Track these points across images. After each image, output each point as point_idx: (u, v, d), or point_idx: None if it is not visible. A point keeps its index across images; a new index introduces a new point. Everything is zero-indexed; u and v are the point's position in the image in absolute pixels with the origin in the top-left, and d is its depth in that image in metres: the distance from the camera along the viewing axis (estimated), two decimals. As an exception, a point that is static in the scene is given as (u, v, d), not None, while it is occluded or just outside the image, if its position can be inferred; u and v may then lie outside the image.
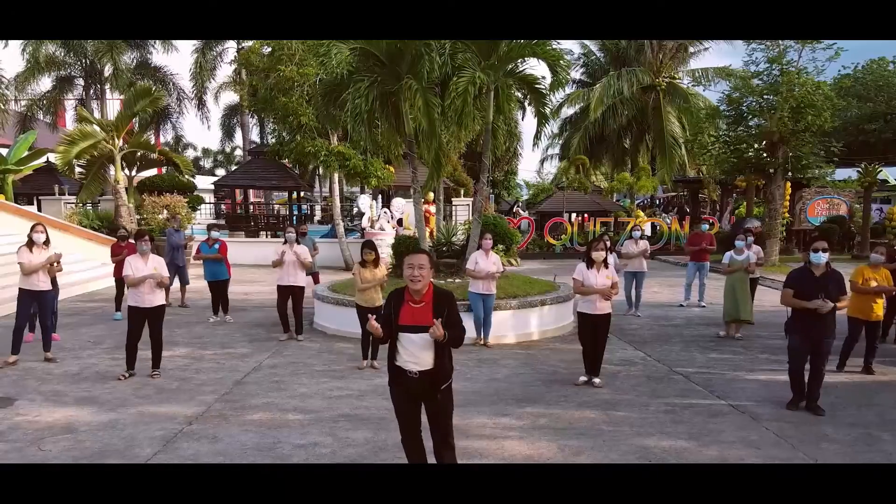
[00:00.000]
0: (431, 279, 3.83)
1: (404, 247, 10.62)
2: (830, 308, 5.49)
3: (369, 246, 7.44)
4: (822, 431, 5.29)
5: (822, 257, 5.65)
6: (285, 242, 8.86)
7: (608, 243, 7.04)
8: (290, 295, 8.77)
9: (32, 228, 7.52)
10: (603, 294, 6.46)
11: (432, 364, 3.74)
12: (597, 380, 6.61)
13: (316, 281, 11.37)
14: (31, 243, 7.45)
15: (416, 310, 3.75)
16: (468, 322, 7.96)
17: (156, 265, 6.88)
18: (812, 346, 5.67)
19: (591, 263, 6.56)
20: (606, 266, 6.60)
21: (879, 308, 7.06)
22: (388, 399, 5.52)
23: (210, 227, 10.69)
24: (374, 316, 3.83)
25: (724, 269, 9.19)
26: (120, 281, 10.08)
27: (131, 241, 9.89)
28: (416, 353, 3.73)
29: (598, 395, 6.30)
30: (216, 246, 10.19)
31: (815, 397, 5.74)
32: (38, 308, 7.66)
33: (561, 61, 9.11)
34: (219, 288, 10.20)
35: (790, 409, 5.78)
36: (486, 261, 8.27)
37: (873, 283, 6.91)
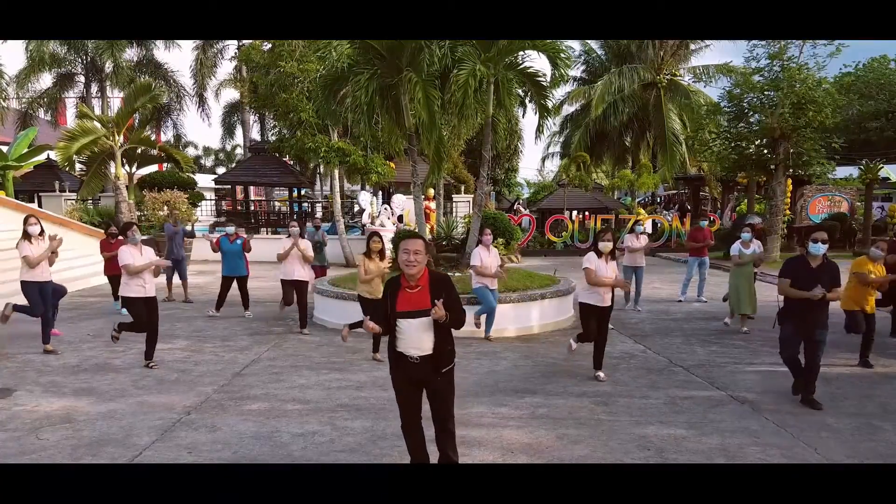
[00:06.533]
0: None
1: (404, 241, 10.60)
2: (821, 295, 5.44)
3: (377, 235, 7.47)
4: (823, 421, 5.26)
5: (821, 248, 5.62)
6: (289, 236, 8.86)
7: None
8: (294, 288, 8.78)
9: (25, 221, 7.48)
10: (619, 286, 6.46)
11: (432, 348, 3.74)
12: (601, 374, 6.57)
13: (323, 274, 11.37)
14: (27, 236, 7.43)
15: (413, 295, 3.74)
16: (473, 314, 7.96)
17: (150, 254, 6.92)
18: (805, 336, 5.64)
19: (599, 254, 6.48)
20: (613, 258, 6.54)
21: (873, 301, 7.08)
22: (387, 390, 5.52)
23: (216, 224, 10.64)
24: (369, 317, 3.87)
25: (735, 260, 9.13)
26: (113, 277, 10.05)
27: (122, 237, 9.83)
28: (416, 337, 3.72)
29: (598, 387, 6.29)
30: (238, 242, 9.99)
31: (811, 391, 5.69)
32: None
33: (561, 54, 9.08)
34: (237, 284, 10.12)
35: (795, 392, 5.74)
36: (489, 256, 8.21)
37: (873, 277, 6.92)
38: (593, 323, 6.53)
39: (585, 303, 6.56)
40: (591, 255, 6.53)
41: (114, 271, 9.74)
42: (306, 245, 8.84)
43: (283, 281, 8.82)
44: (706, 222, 12.35)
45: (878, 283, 6.98)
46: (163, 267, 6.99)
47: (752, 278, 8.98)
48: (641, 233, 10.97)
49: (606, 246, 6.43)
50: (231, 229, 10.24)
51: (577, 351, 6.91)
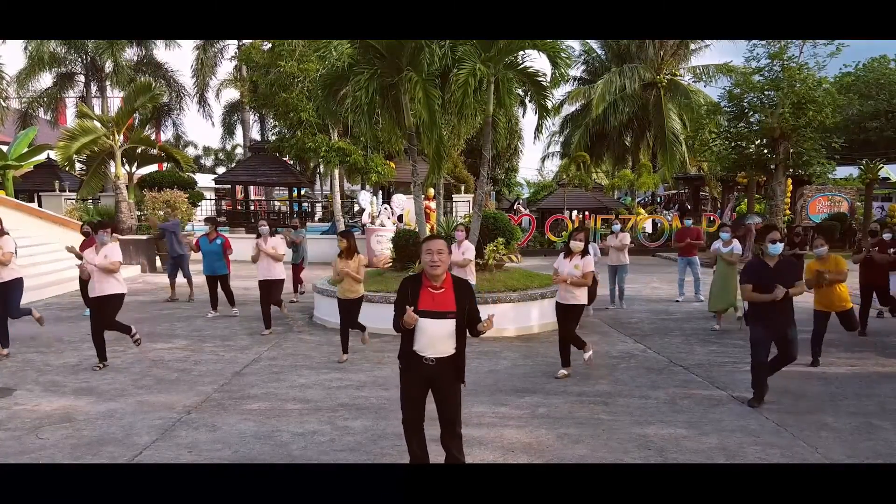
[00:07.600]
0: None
1: (405, 241, 10.61)
2: (783, 294, 5.39)
3: (341, 234, 7.47)
4: (823, 420, 5.26)
5: (778, 247, 5.64)
6: (259, 237, 8.83)
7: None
8: (270, 289, 8.74)
9: None
10: (561, 283, 6.47)
11: (453, 350, 3.72)
12: (562, 371, 6.56)
13: (300, 270, 11.75)
14: None
15: (437, 295, 3.71)
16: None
17: (107, 254, 6.82)
18: (776, 335, 5.62)
19: (568, 253, 6.63)
20: (583, 256, 6.58)
21: (842, 298, 6.95)
22: (388, 389, 5.50)
23: (207, 221, 10.70)
24: (412, 308, 3.60)
25: (711, 256, 9.31)
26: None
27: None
28: (436, 339, 3.68)
29: (598, 387, 6.29)
30: (218, 241, 10.09)
31: (774, 372, 5.74)
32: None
33: (561, 54, 9.08)
34: (219, 283, 10.15)
35: (753, 405, 5.60)
36: (455, 251, 8.10)
37: (826, 276, 6.73)
38: (558, 321, 6.68)
39: (556, 300, 6.74)
40: (561, 254, 6.76)
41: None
42: (276, 243, 8.78)
43: (259, 282, 8.74)
44: (690, 221, 12.55)
45: (834, 280, 6.81)
46: (110, 266, 6.82)
47: (735, 278, 9.00)
48: (620, 230, 11.12)
49: (577, 245, 6.55)
50: (207, 228, 10.31)
51: (569, 373, 6.69)
